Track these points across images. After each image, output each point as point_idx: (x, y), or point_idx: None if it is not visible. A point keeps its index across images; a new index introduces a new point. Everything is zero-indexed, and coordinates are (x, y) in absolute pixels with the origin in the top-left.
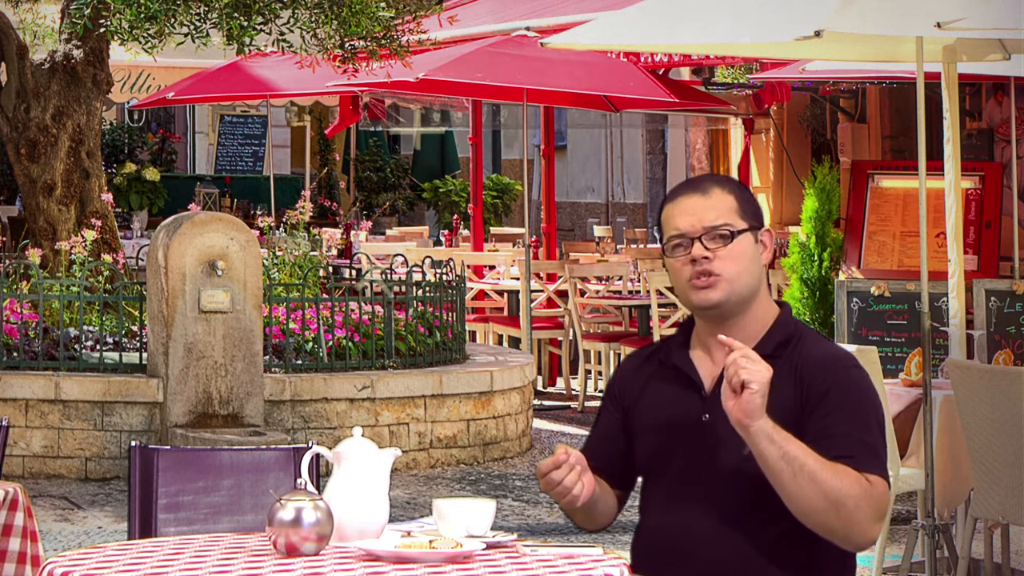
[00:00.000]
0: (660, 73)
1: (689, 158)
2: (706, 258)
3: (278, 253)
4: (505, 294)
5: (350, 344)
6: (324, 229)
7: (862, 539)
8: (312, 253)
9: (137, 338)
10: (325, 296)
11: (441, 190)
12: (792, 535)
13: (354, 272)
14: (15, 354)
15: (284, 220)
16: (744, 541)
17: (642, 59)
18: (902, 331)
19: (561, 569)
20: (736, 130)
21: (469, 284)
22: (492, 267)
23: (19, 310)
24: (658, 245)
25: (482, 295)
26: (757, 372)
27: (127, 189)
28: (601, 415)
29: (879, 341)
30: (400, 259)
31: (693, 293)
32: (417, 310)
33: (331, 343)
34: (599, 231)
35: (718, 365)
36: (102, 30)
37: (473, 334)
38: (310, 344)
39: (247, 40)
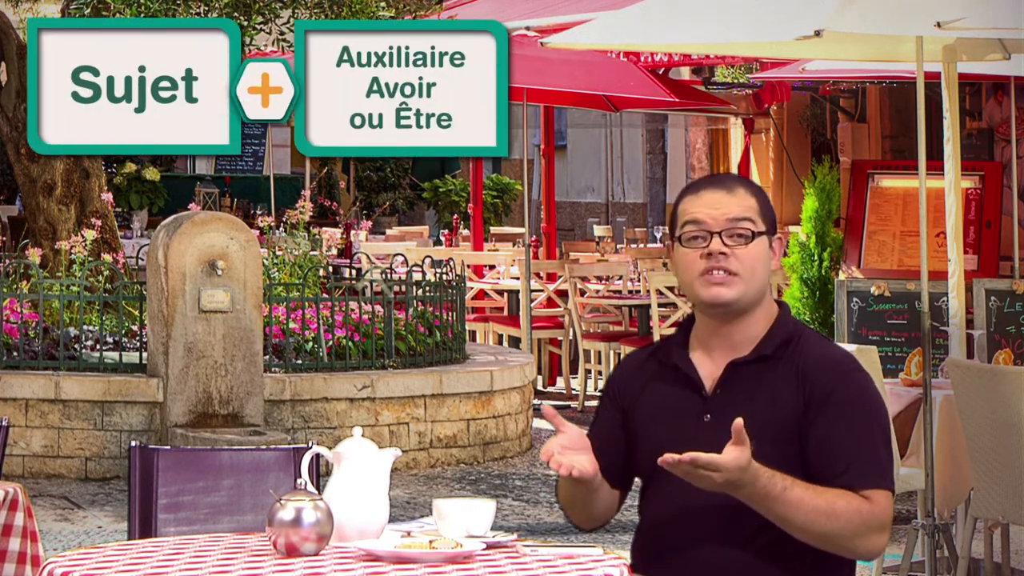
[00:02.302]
0: (660, 73)
1: (689, 158)
2: (723, 254)
3: (278, 253)
4: (505, 294)
5: (350, 344)
6: (324, 229)
7: (867, 555)
8: (312, 253)
9: (137, 338)
10: (325, 296)
11: (441, 190)
12: (792, 536)
13: (354, 272)
14: (15, 354)
15: (284, 220)
16: (745, 541)
17: (642, 59)
18: (902, 331)
19: (561, 569)
20: (736, 130)
21: (469, 284)
22: (492, 267)
23: (19, 310)
24: (658, 245)
25: (482, 295)
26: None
27: (127, 189)
28: (600, 414)
29: (879, 341)
30: (400, 259)
31: (704, 288)
32: (417, 310)
33: (331, 343)
34: (599, 231)
35: (718, 365)
36: None
37: (473, 334)
38: (310, 344)
39: (247, 40)
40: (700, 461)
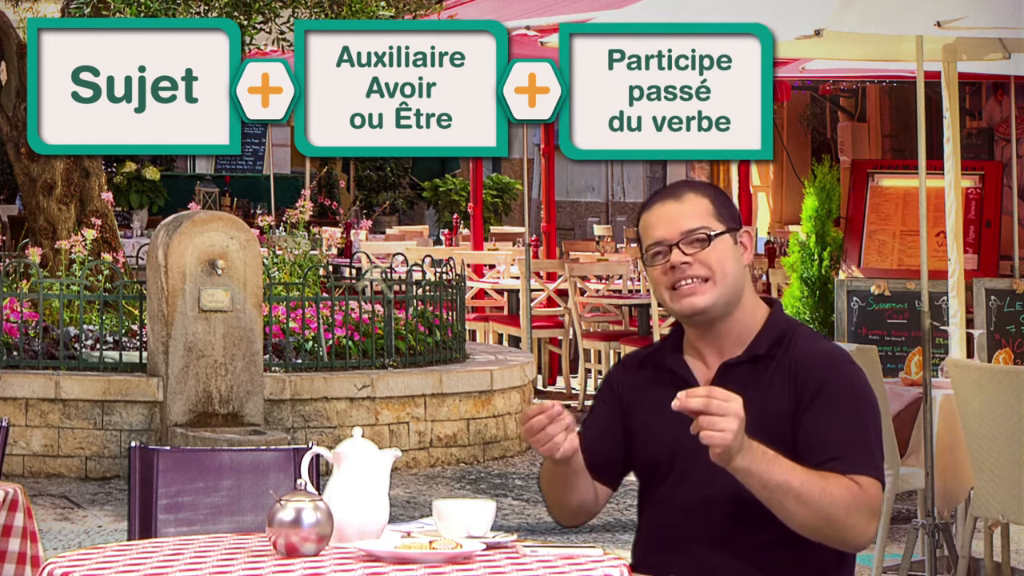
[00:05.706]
0: None
1: None
2: (685, 263)
3: (278, 252)
4: (505, 293)
5: (350, 343)
6: (324, 228)
7: (858, 542)
8: (312, 252)
9: (137, 337)
10: (325, 295)
11: (441, 189)
12: (791, 537)
13: (354, 271)
14: (15, 353)
15: (284, 219)
16: (744, 542)
17: None
18: (902, 330)
19: (561, 570)
20: None
21: (469, 283)
22: (492, 266)
23: (19, 309)
24: None
25: (482, 294)
26: (719, 435)
27: (127, 188)
28: (597, 408)
29: (879, 340)
30: (400, 258)
31: (676, 301)
32: (417, 309)
33: (331, 342)
34: (599, 230)
35: (711, 367)
36: None
37: (473, 333)
38: (310, 343)
39: (247, 40)
40: (718, 394)
